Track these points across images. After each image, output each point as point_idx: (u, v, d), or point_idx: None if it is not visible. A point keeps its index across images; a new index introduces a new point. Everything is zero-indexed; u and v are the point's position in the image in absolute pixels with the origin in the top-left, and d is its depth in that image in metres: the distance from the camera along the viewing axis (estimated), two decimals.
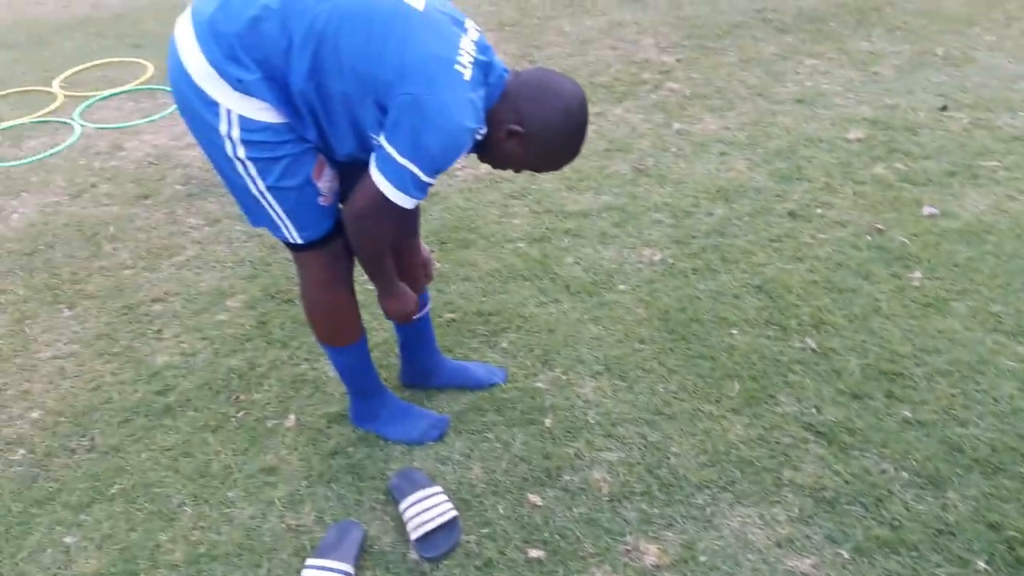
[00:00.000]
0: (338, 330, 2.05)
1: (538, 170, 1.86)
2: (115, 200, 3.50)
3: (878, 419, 2.19)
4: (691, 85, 4.03)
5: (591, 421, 2.24)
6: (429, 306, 2.28)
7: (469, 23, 1.74)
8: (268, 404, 2.38)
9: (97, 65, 4.88)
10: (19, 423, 2.37)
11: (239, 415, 2.35)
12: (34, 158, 3.87)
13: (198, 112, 1.67)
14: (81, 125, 4.14)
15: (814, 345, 2.44)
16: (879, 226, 2.91)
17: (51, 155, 3.89)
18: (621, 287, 2.74)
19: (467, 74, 1.62)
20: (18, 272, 3.06)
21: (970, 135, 3.41)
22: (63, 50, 5.17)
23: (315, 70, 1.62)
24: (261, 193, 1.75)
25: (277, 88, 1.65)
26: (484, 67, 1.69)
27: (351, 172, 1.81)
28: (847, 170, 3.27)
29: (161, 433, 2.30)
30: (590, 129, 3.66)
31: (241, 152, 1.68)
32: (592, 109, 3.90)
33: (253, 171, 1.71)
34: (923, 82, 3.85)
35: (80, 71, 4.82)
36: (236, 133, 1.66)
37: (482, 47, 1.70)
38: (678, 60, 4.31)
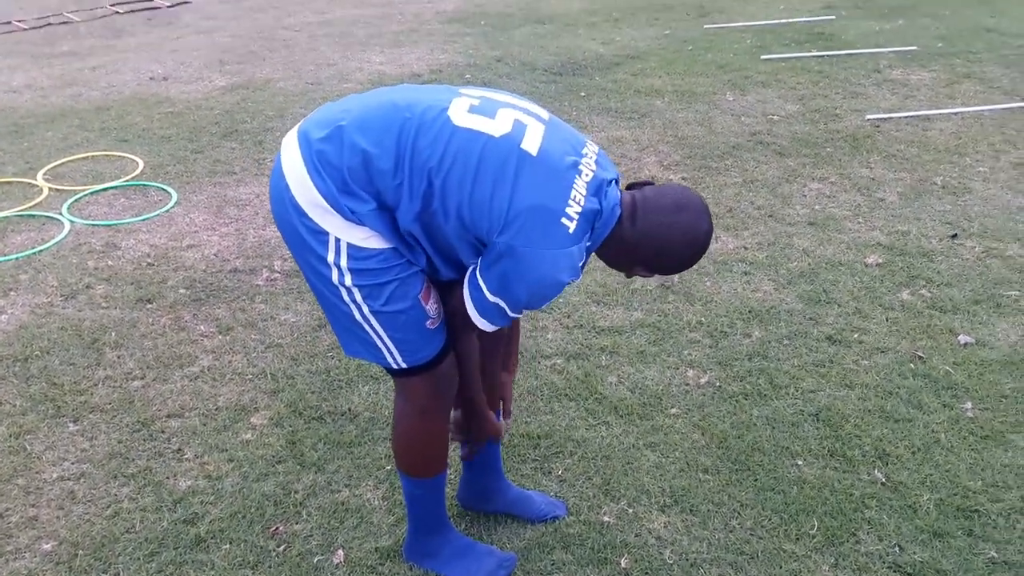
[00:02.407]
0: (426, 461, 1.92)
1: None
2: (114, 303, 3.29)
3: (964, 559, 2.10)
4: None
5: (669, 561, 2.10)
6: (509, 408, 2.13)
7: (587, 150, 1.69)
8: (311, 536, 2.18)
9: (83, 158, 4.71)
10: (28, 556, 2.11)
11: (280, 549, 2.14)
12: (22, 254, 3.65)
13: (304, 239, 1.62)
14: (71, 221, 3.95)
15: (883, 478, 2.36)
16: (920, 354, 2.89)
17: (40, 251, 3.67)
18: (672, 410, 2.64)
19: (572, 227, 1.59)
20: (12, 380, 2.82)
21: (984, 264, 3.47)
22: (44, 141, 4.99)
23: (424, 211, 1.60)
24: (366, 318, 1.67)
25: (389, 218, 1.61)
26: (592, 216, 1.64)
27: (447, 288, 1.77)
28: (874, 295, 3.27)
29: (194, 569, 2.08)
30: None
31: (348, 280, 1.63)
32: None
33: (359, 297, 1.65)
34: (928, 210, 3.94)
35: (64, 163, 4.64)
36: (344, 261, 1.61)
37: (595, 188, 1.64)
38: (683, 178, 4.35)
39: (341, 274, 1.63)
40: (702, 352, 2.94)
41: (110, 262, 3.61)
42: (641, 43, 6.88)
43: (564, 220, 1.57)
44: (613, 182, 1.72)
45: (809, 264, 3.51)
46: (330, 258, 1.62)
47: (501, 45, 6.87)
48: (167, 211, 4.07)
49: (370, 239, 1.61)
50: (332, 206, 1.58)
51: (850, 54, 6.38)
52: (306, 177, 1.60)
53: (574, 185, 1.61)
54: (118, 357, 2.94)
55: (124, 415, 2.64)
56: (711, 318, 3.14)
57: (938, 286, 3.32)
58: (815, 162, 4.50)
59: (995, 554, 2.11)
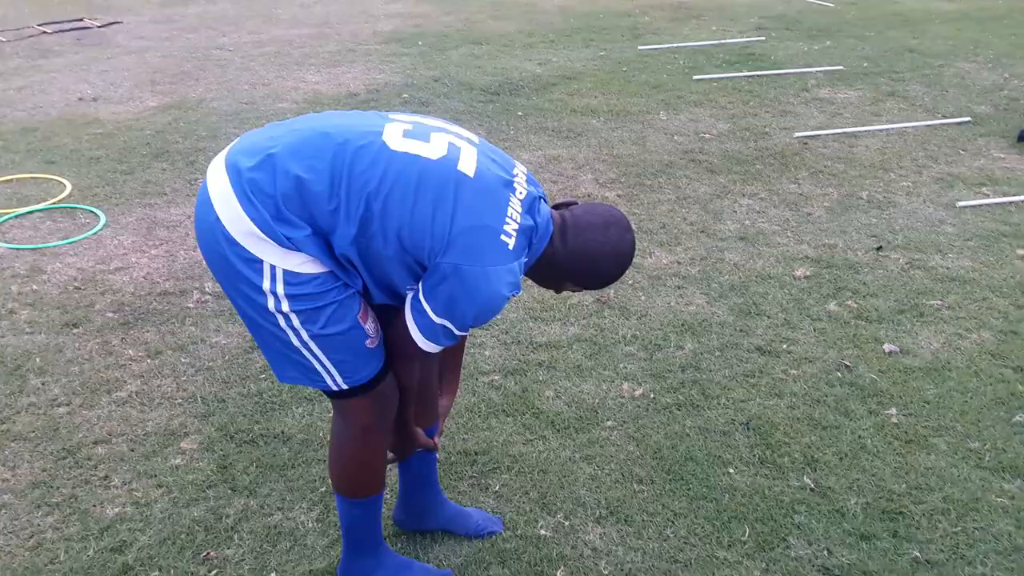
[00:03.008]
0: (363, 482, 1.91)
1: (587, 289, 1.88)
2: (39, 328, 3.20)
3: (890, 560, 2.16)
4: (636, 220, 4.11)
5: (604, 572, 2.11)
6: (440, 429, 2.12)
7: (518, 170, 1.74)
8: (243, 561, 2.14)
9: (6, 180, 4.58)
10: None
11: (211, 574, 2.09)
12: None
13: (236, 269, 1.60)
14: None
15: (812, 484, 2.41)
16: (847, 363, 2.97)
17: None
18: (608, 423, 2.66)
19: (511, 243, 1.62)
20: None
21: (908, 275, 3.58)
22: None
23: (361, 234, 1.60)
24: (304, 343, 1.65)
25: (324, 243, 1.61)
26: (529, 232, 1.68)
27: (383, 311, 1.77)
28: (802, 307, 3.35)
29: None
30: None
31: (285, 306, 1.61)
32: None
33: (296, 323, 1.63)
34: (855, 223, 4.06)
35: None
36: (280, 288, 1.60)
37: (528, 205, 1.69)
38: (619, 195, 4.41)
39: (278, 301, 1.61)
40: (637, 365, 2.98)
41: (35, 286, 3.51)
42: (577, 64, 6.97)
43: (503, 237, 1.61)
44: (542, 199, 1.76)
45: (740, 278, 3.58)
46: (265, 286, 1.59)
47: (439, 65, 6.89)
48: (95, 233, 3.98)
49: (306, 264, 1.60)
50: (267, 234, 1.57)
51: (780, 74, 6.55)
52: (238, 207, 1.58)
53: (510, 203, 1.65)
54: (43, 384, 2.86)
55: (48, 443, 2.56)
56: (645, 331, 3.18)
57: (864, 297, 3.42)
58: (745, 179, 4.61)
59: (918, 554, 2.17)
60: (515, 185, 1.68)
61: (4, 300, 3.39)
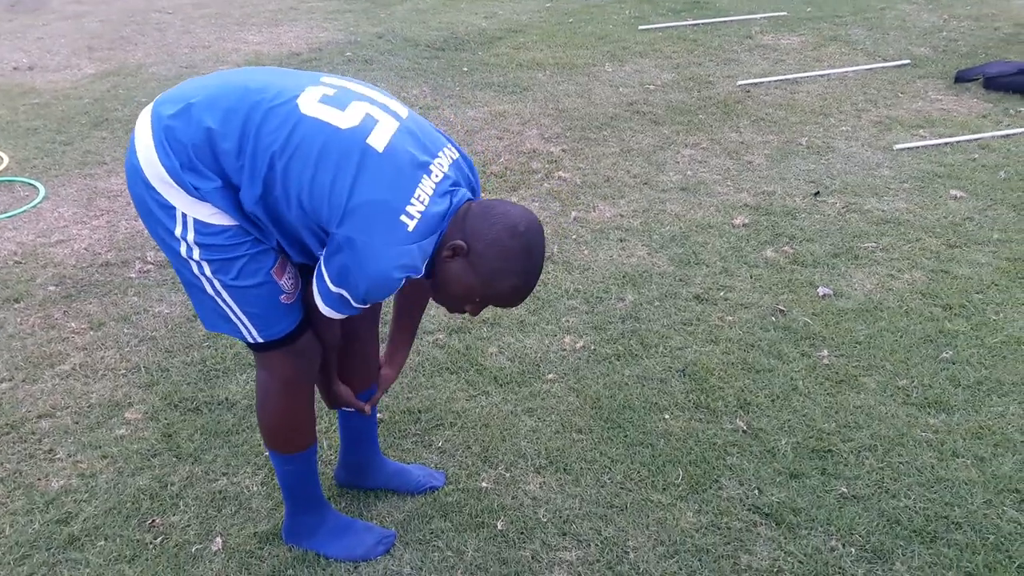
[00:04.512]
0: (292, 436, 1.93)
1: (489, 298, 1.72)
2: None
3: (818, 496, 2.25)
4: (580, 174, 4.14)
5: (543, 519, 2.18)
6: (376, 397, 2.15)
7: (444, 154, 1.69)
8: (188, 527, 2.17)
9: None
10: None
11: (157, 541, 2.13)
12: None
13: (154, 213, 1.63)
14: None
15: (744, 426, 2.49)
16: (781, 307, 3.04)
17: None
18: (549, 376, 2.72)
19: (411, 225, 1.58)
20: None
21: (844, 219, 3.66)
22: None
23: (265, 195, 1.61)
24: (218, 292, 1.68)
25: (233, 198, 1.62)
26: (439, 218, 1.63)
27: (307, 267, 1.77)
28: (740, 254, 3.42)
29: (68, 568, 2.05)
30: None
31: (196, 254, 1.64)
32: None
33: (208, 271, 1.66)
34: (794, 169, 4.12)
35: None
36: (191, 236, 1.62)
37: (445, 190, 1.64)
38: (563, 150, 4.42)
39: (189, 248, 1.63)
40: (579, 318, 3.03)
41: None
42: (523, 16, 6.92)
43: (404, 218, 1.57)
44: (471, 190, 1.73)
45: (680, 228, 3.63)
46: (178, 232, 1.62)
47: (382, 21, 6.81)
48: (34, 207, 3.92)
49: (215, 215, 1.61)
50: (176, 181, 1.59)
51: (724, 21, 6.57)
52: (153, 152, 1.60)
53: (420, 184, 1.60)
54: None
55: None
56: (588, 285, 3.23)
57: (800, 242, 3.49)
58: (688, 129, 4.64)
59: (845, 489, 2.26)
60: (431, 168, 1.64)
61: None
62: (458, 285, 1.68)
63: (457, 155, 1.74)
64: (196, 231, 1.61)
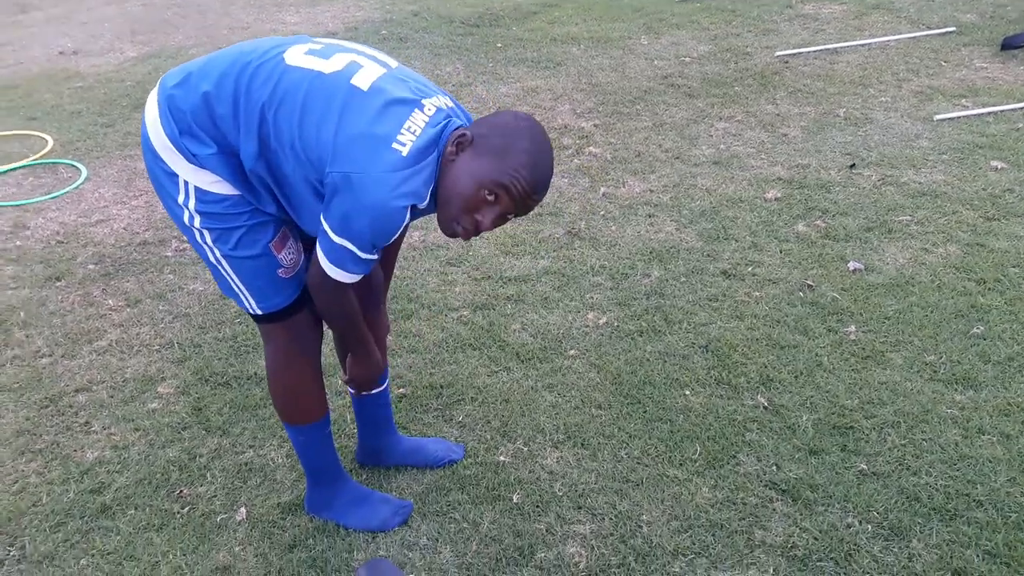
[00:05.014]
0: (300, 407, 1.98)
1: (502, 187, 1.59)
2: (23, 283, 3.28)
3: (836, 473, 2.23)
4: (611, 149, 4.12)
5: (559, 493, 2.20)
6: (388, 380, 2.20)
7: (440, 97, 1.69)
8: (215, 497, 2.24)
9: None
10: None
11: (184, 511, 2.20)
12: None
13: (161, 181, 1.69)
14: None
15: (765, 402, 2.47)
16: (809, 283, 3.01)
17: None
18: (571, 352, 2.73)
19: (404, 151, 1.55)
20: None
21: (880, 192, 3.59)
22: None
23: (263, 150, 1.64)
24: (219, 260, 1.74)
25: (233, 164, 1.66)
26: (433, 144, 1.60)
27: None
28: (770, 229, 3.38)
29: (100, 536, 2.13)
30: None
31: (197, 222, 1.69)
32: None
33: (209, 239, 1.72)
34: (830, 142, 4.05)
35: None
36: (192, 203, 1.68)
37: (436, 122, 1.62)
38: (595, 125, 4.40)
39: (191, 216, 1.69)
40: (603, 294, 3.03)
41: (19, 242, 3.59)
42: None
43: (396, 145, 1.54)
44: (463, 124, 1.69)
45: (711, 203, 3.60)
46: (180, 199, 1.67)
47: None
48: (76, 188, 4.03)
49: (216, 184, 1.65)
50: (176, 147, 1.63)
51: None
52: (158, 121, 1.65)
53: (411, 116, 1.58)
54: (26, 336, 2.95)
55: (32, 393, 2.66)
56: (614, 261, 3.23)
57: (833, 216, 3.44)
58: (723, 102, 4.58)
59: (865, 466, 2.24)
60: (423, 103, 1.62)
61: None
62: (467, 180, 1.59)
63: (452, 104, 1.71)
64: (197, 199, 1.66)
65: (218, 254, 1.73)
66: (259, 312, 1.81)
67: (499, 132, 1.60)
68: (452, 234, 1.67)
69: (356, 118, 1.56)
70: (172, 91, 1.66)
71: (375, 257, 1.66)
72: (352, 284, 1.70)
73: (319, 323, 1.89)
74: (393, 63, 1.73)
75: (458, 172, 1.60)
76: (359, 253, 1.61)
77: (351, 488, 2.14)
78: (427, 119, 1.61)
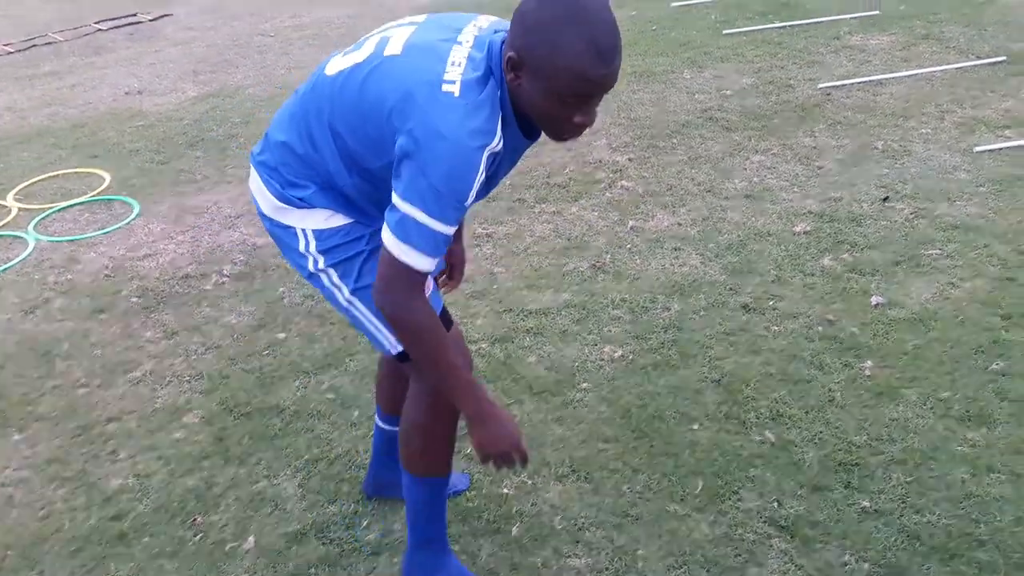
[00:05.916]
0: (438, 457, 1.90)
1: (574, 84, 1.46)
2: (69, 315, 3.47)
3: (838, 510, 2.21)
4: (643, 183, 4.15)
5: (558, 527, 2.22)
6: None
7: (473, 24, 1.62)
8: (226, 526, 2.33)
9: (52, 177, 4.90)
10: None
11: (196, 539, 2.29)
12: None
13: (282, 240, 1.79)
14: (35, 238, 4.13)
15: (773, 438, 2.46)
16: (830, 317, 2.98)
17: (4, 270, 3.86)
18: (583, 385, 2.76)
19: (457, 88, 1.48)
20: None
21: (911, 225, 3.53)
22: (19, 162, 5.19)
23: (348, 161, 1.67)
24: (349, 301, 1.77)
25: (335, 194, 1.72)
26: (485, 63, 1.52)
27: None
28: (796, 263, 3.35)
29: (115, 562, 2.23)
30: (547, 227, 3.76)
31: (321, 263, 1.75)
32: (548, 208, 3.99)
33: (336, 278, 1.76)
34: (865, 175, 4.00)
35: (35, 183, 4.83)
36: (313, 246, 1.75)
37: (479, 47, 1.54)
38: (630, 159, 4.44)
39: (315, 260, 1.75)
40: (621, 328, 3.05)
41: (70, 276, 3.78)
42: None
43: (446, 86, 1.49)
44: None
45: (739, 236, 3.59)
46: (301, 247, 1.75)
47: None
48: (128, 224, 4.23)
49: (330, 219, 1.73)
50: (284, 202, 1.74)
51: (811, 23, 6.40)
52: (262, 188, 1.77)
53: (450, 53, 1.53)
54: (68, 367, 3.11)
55: (67, 422, 2.80)
56: (635, 294, 3.25)
57: (861, 250, 3.40)
58: (761, 134, 4.57)
59: (867, 503, 2.21)
60: (459, 38, 1.57)
61: (41, 290, 3.67)
62: (542, 100, 1.49)
63: (489, 21, 1.63)
64: (316, 240, 1.74)
65: (346, 292, 1.75)
66: (400, 349, 1.73)
67: (540, 34, 1.43)
68: (565, 140, 1.62)
69: (396, 80, 1.53)
70: (260, 158, 1.78)
71: (448, 232, 1.52)
72: (424, 289, 1.59)
73: (466, 351, 1.89)
74: (422, 17, 1.68)
75: (531, 95, 1.50)
76: (429, 222, 1.49)
77: (455, 568, 2.04)
78: (469, 50, 1.54)
